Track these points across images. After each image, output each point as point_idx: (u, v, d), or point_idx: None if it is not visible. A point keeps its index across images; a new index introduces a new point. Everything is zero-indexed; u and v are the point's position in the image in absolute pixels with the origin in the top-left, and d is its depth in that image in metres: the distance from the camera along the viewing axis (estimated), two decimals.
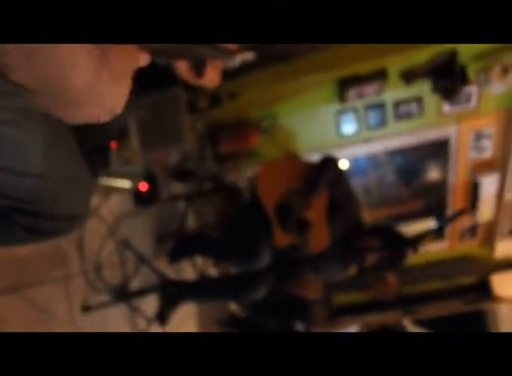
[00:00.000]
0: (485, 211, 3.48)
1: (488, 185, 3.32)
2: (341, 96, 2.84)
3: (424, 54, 2.70)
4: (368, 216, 2.56)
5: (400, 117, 3.01)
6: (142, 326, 2.20)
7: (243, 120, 2.89)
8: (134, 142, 1.83)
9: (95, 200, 1.95)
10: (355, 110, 2.99)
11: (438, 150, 3.24)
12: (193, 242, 2.56)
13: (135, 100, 2.03)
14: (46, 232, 0.61)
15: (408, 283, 3.72)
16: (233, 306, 3.54)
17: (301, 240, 2.09)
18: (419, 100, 2.95)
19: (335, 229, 2.12)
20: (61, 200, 0.60)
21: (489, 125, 3.10)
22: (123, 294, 1.97)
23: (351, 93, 2.79)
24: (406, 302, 3.82)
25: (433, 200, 3.55)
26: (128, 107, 0.53)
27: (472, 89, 2.87)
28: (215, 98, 2.50)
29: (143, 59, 0.51)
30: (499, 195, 3.40)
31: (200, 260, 2.84)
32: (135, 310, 2.15)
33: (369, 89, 2.78)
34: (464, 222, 3.63)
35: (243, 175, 2.97)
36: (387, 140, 3.15)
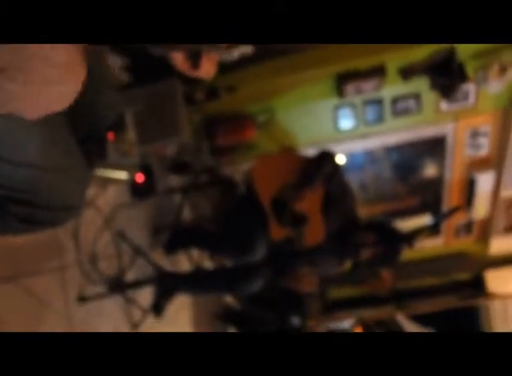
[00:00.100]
0: (481, 208, 3.50)
1: (484, 182, 3.33)
2: (340, 91, 2.84)
3: (423, 51, 2.69)
4: (364, 211, 2.57)
5: (398, 113, 3.01)
6: (137, 317, 2.21)
7: (240, 113, 2.89)
8: (131, 133, 1.83)
9: (91, 191, 1.95)
10: (352, 106, 2.99)
11: (435, 146, 3.25)
12: (189, 234, 2.57)
13: (131, 93, 2.03)
14: (42, 222, 0.62)
15: (403, 278, 3.75)
16: (229, 299, 3.56)
17: (297, 233, 2.10)
18: (417, 97, 2.95)
19: (330, 224, 2.14)
20: (56, 190, 0.61)
21: (486, 123, 3.11)
22: (118, 286, 1.98)
23: (350, 88, 2.79)
24: (400, 297, 3.84)
25: (429, 197, 3.56)
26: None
27: (470, 87, 2.88)
28: (212, 91, 2.50)
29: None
30: (495, 192, 3.42)
31: (195, 252, 2.85)
32: (130, 301, 2.16)
33: (368, 85, 2.79)
34: (460, 219, 3.65)
35: (239, 169, 2.98)
36: (385, 136, 3.16)
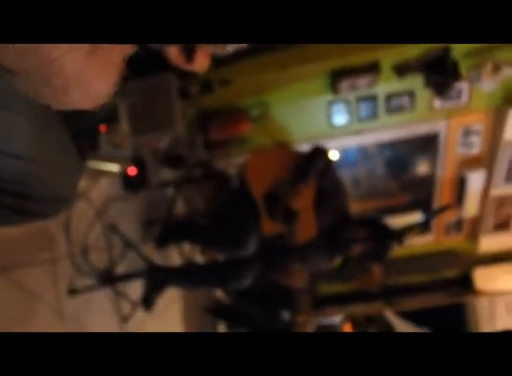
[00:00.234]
0: (471, 206, 3.53)
1: (475, 181, 3.36)
2: (334, 88, 2.84)
3: (417, 48, 2.70)
4: (356, 207, 2.58)
5: (391, 110, 3.02)
6: (127, 310, 2.21)
7: (234, 107, 2.88)
8: (124, 126, 1.82)
9: (83, 183, 1.94)
10: (346, 102, 3.00)
11: (427, 144, 3.26)
12: (181, 228, 2.57)
13: (126, 85, 2.01)
14: (33, 213, 0.62)
15: (392, 274, 3.77)
16: (219, 293, 3.57)
17: (288, 229, 2.10)
18: (410, 94, 2.96)
19: (322, 219, 2.14)
20: (48, 182, 0.60)
21: (478, 122, 3.13)
22: (109, 278, 1.97)
23: (344, 85, 2.80)
24: (389, 294, 3.87)
25: (420, 194, 3.59)
26: (119, 92, 0.53)
27: (463, 85, 2.89)
28: (207, 84, 2.49)
29: (131, 48, 0.52)
30: (485, 191, 3.45)
31: (187, 246, 2.85)
32: (120, 294, 2.16)
33: (362, 81, 2.79)
34: (450, 217, 3.68)
35: (232, 163, 2.97)
36: (378, 133, 3.17)
